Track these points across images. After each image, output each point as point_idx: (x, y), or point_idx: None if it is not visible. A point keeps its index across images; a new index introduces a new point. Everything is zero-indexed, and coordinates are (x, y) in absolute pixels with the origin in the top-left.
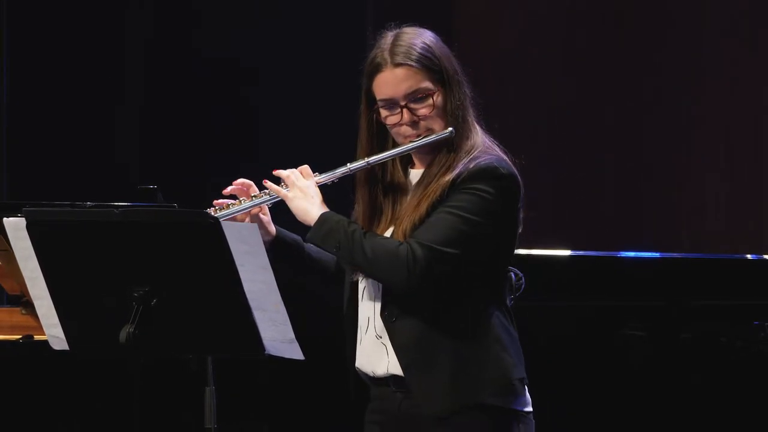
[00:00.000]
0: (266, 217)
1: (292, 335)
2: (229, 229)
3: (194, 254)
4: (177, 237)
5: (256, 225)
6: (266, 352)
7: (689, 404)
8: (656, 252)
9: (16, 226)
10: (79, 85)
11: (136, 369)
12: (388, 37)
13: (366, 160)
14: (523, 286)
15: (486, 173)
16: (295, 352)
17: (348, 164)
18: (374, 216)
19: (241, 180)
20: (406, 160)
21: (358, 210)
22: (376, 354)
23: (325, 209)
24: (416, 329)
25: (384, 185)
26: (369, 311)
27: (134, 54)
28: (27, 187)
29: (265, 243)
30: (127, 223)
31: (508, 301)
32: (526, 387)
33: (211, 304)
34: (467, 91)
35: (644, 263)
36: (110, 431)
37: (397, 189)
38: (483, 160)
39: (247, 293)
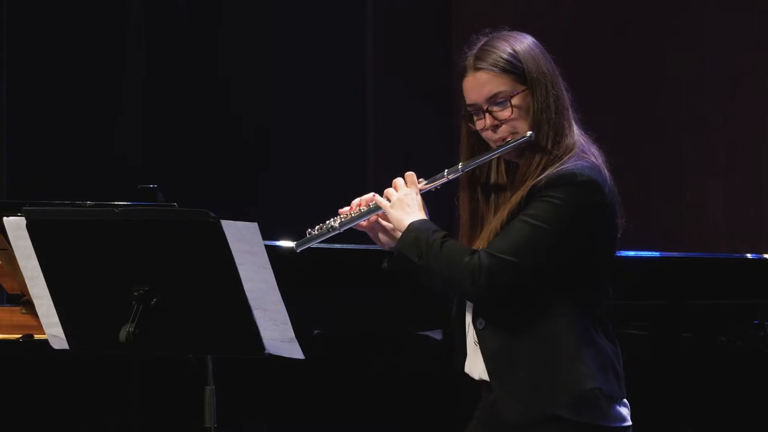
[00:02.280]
0: (390, 224)
1: (292, 334)
2: (230, 229)
3: (194, 253)
4: (177, 236)
5: (256, 224)
6: (266, 352)
7: (689, 404)
8: (656, 251)
9: (16, 226)
10: (80, 84)
11: (136, 368)
12: (480, 41)
13: (459, 166)
14: None
15: (562, 180)
16: (295, 352)
17: (445, 170)
18: (476, 219)
19: (366, 196)
20: (514, 165)
21: (461, 214)
22: (474, 358)
23: (420, 217)
24: (500, 338)
25: (486, 189)
26: (468, 318)
27: (135, 53)
28: (27, 186)
29: (391, 249)
30: (127, 222)
31: (599, 311)
32: (614, 400)
33: (211, 304)
34: (558, 93)
35: (644, 263)
36: (110, 431)
37: (500, 192)
38: (567, 166)
39: (247, 292)
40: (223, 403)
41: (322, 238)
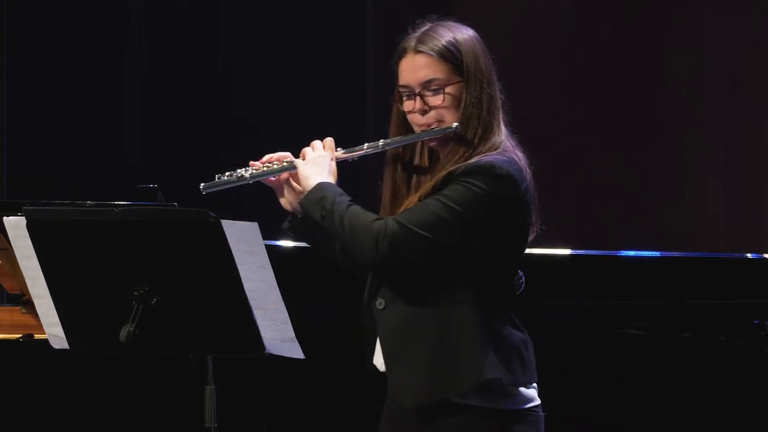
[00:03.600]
0: (299, 187)
1: (292, 334)
2: (230, 228)
3: (194, 253)
4: (177, 236)
5: (256, 224)
6: (266, 352)
7: (689, 404)
8: (656, 251)
9: (16, 225)
10: (80, 84)
11: (135, 368)
12: (425, 25)
13: (380, 143)
14: (522, 286)
15: (481, 169)
16: (295, 351)
17: (365, 144)
18: (396, 199)
19: (279, 153)
20: (436, 153)
21: (383, 192)
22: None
23: (328, 180)
24: (399, 319)
25: (408, 171)
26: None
27: (135, 53)
28: (27, 186)
29: (297, 212)
30: (127, 222)
31: (505, 304)
32: (519, 386)
33: (211, 303)
34: (492, 92)
35: (644, 262)
36: (110, 431)
37: (420, 176)
38: (486, 158)
39: (247, 292)
40: (223, 403)
41: (231, 186)
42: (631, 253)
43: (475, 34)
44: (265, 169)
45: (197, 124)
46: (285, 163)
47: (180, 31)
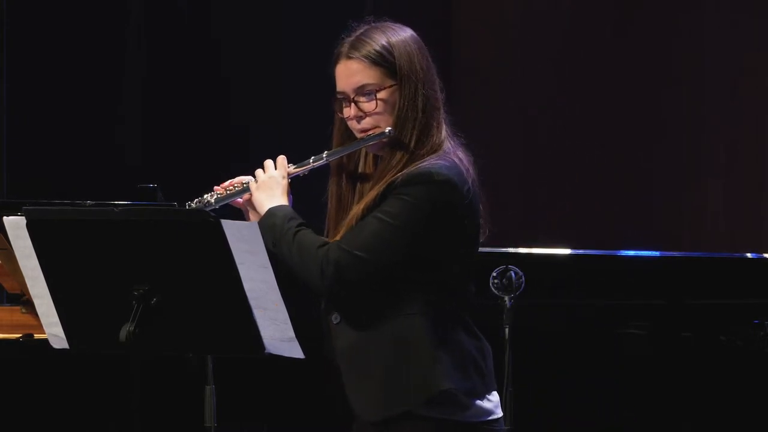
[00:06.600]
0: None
1: (292, 334)
2: (230, 228)
3: (194, 253)
4: (177, 236)
5: (256, 223)
6: (266, 351)
7: (689, 404)
8: (656, 251)
9: (16, 225)
10: (79, 84)
11: (136, 368)
12: (359, 29)
13: (324, 155)
14: (523, 285)
15: (419, 178)
16: (295, 351)
17: (312, 157)
18: (342, 206)
19: (239, 177)
20: (381, 157)
21: (329, 200)
22: None
23: (281, 203)
24: (353, 335)
25: (353, 178)
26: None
27: (135, 53)
28: (27, 186)
29: None
30: (127, 221)
31: (458, 309)
32: (475, 396)
33: (211, 303)
34: (429, 93)
35: (644, 262)
36: (110, 431)
37: (365, 182)
38: (425, 164)
39: (247, 292)
40: (223, 403)
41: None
42: (631, 253)
43: (413, 34)
44: (228, 192)
45: (197, 124)
46: (244, 185)
47: (180, 31)
